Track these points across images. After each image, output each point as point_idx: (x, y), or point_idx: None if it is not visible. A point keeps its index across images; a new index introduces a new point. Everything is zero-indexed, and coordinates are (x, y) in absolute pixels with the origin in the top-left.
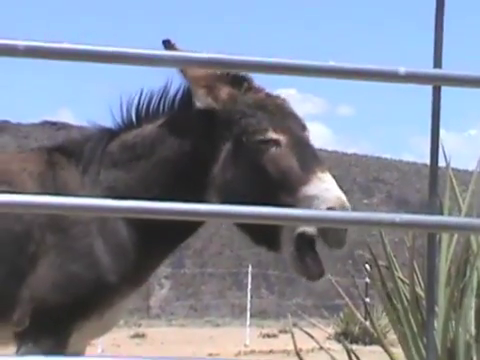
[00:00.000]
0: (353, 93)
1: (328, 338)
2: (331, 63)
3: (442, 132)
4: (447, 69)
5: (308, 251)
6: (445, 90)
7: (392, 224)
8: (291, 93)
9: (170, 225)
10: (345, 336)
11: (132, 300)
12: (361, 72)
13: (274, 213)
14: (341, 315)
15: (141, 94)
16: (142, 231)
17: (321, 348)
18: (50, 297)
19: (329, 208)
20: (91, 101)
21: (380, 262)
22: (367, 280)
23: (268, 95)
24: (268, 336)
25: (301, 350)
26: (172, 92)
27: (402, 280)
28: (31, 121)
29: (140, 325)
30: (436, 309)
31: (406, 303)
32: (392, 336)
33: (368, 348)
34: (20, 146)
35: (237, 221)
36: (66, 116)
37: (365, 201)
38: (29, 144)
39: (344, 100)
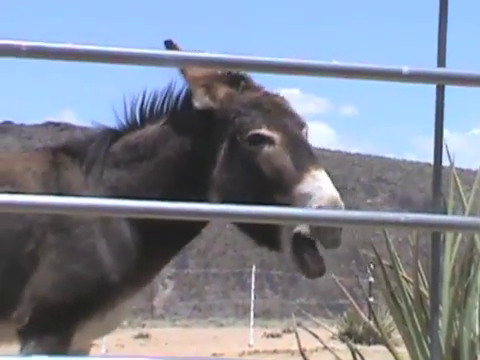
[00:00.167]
0: (356, 93)
1: (332, 338)
2: (334, 62)
3: (445, 132)
4: (451, 68)
5: (307, 249)
6: (448, 89)
7: (397, 223)
8: (294, 93)
9: (173, 226)
10: (349, 336)
11: (135, 301)
12: (365, 71)
13: (276, 213)
14: (345, 315)
15: (145, 94)
16: (145, 232)
17: (325, 348)
18: (51, 296)
19: (320, 206)
20: (94, 102)
21: (384, 261)
22: (371, 280)
23: (265, 94)
24: (272, 336)
25: (305, 350)
26: (176, 93)
27: (406, 279)
28: (34, 122)
29: (144, 325)
30: (440, 308)
31: (410, 302)
32: (396, 336)
33: (372, 348)
34: (23, 147)
35: (239, 221)
36: (69, 117)
37: (368, 201)
38: (32, 145)
39: (347, 100)
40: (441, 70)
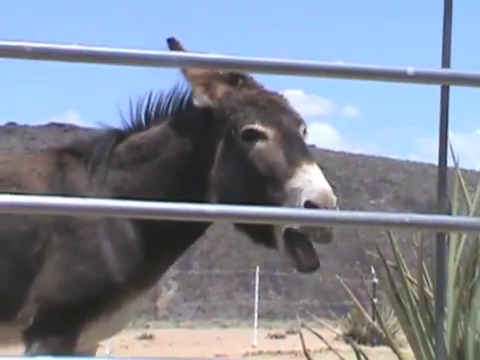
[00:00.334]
0: (359, 94)
1: (336, 339)
2: (339, 63)
3: (449, 132)
4: (455, 69)
5: (299, 244)
6: (451, 90)
7: (402, 224)
8: (297, 94)
9: (177, 227)
10: (353, 337)
11: (141, 302)
12: (370, 72)
13: (279, 214)
14: (349, 316)
15: (150, 95)
16: (149, 233)
17: (329, 349)
18: (57, 297)
19: (310, 200)
20: (98, 103)
21: (389, 262)
22: (375, 280)
23: (262, 91)
24: (276, 337)
25: (309, 351)
26: (181, 94)
27: (411, 280)
28: (38, 123)
29: (148, 326)
30: (445, 309)
31: (415, 303)
32: (400, 337)
33: (376, 349)
34: (27, 148)
35: (239, 222)
36: (73, 118)
37: (372, 202)
38: (36, 146)
39: (350, 101)
40: (446, 71)
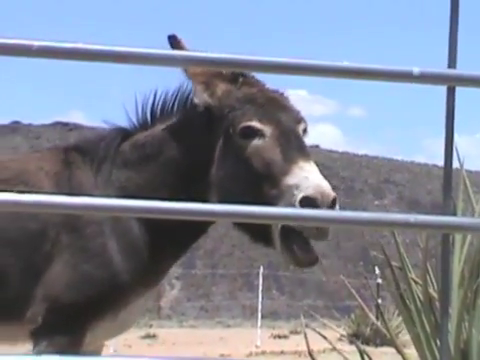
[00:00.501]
0: (364, 94)
1: (339, 339)
2: (345, 63)
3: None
4: (461, 70)
5: (295, 240)
6: (456, 92)
7: (407, 225)
8: (301, 94)
9: (181, 225)
10: (356, 337)
11: (147, 301)
12: (376, 72)
13: (283, 213)
14: (352, 316)
15: (156, 94)
16: (154, 231)
17: (333, 349)
18: (64, 296)
19: (306, 196)
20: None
21: (393, 263)
22: (379, 281)
23: (262, 89)
24: (279, 337)
25: (312, 351)
26: (186, 92)
27: (415, 281)
28: (42, 122)
29: (151, 326)
30: (449, 310)
31: (419, 304)
32: (403, 337)
33: (379, 349)
34: (32, 147)
35: (242, 221)
36: (77, 117)
37: (376, 202)
38: (41, 144)
39: (355, 101)
40: (452, 71)
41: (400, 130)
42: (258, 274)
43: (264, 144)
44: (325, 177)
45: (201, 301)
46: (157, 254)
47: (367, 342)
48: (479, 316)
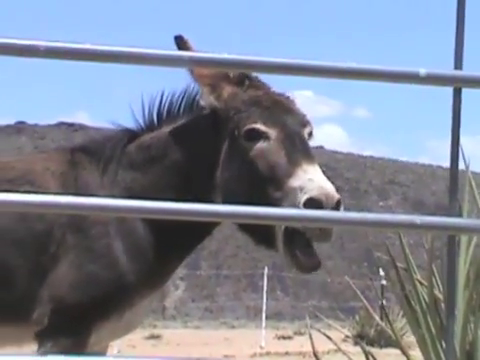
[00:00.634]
0: (369, 95)
1: (343, 340)
2: (352, 64)
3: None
4: (468, 71)
5: (298, 244)
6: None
7: (412, 226)
8: (307, 95)
9: (186, 226)
10: (361, 338)
11: (152, 302)
12: (382, 73)
13: (289, 215)
14: (357, 317)
15: (162, 95)
16: (159, 232)
17: (338, 350)
18: (69, 297)
19: (310, 198)
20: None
21: (398, 264)
22: (383, 282)
23: (268, 92)
24: (283, 338)
25: (317, 352)
26: (193, 94)
27: (420, 282)
28: (47, 122)
29: (155, 326)
30: (455, 312)
31: (425, 306)
32: (408, 339)
33: (383, 351)
34: (37, 147)
35: (248, 222)
36: (82, 118)
37: (381, 203)
38: (46, 145)
39: (360, 102)
40: (458, 72)
41: (405, 131)
42: (262, 275)
43: (269, 147)
44: (329, 178)
45: (205, 302)
46: (162, 255)
47: (371, 343)
48: None
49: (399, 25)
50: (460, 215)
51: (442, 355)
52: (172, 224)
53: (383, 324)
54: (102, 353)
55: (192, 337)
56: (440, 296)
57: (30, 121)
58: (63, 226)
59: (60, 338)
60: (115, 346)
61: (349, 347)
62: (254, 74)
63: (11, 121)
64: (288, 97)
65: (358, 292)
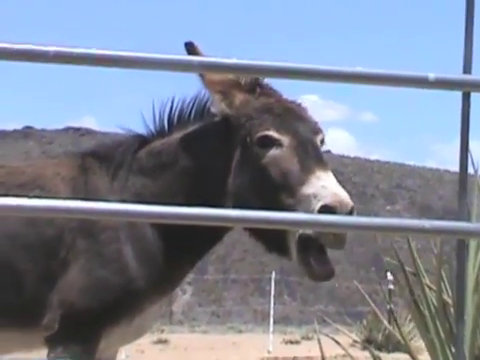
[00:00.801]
0: (376, 100)
1: (351, 345)
2: (360, 69)
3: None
4: (477, 75)
5: (312, 251)
6: (458, 96)
7: (422, 230)
8: (313, 99)
9: (196, 232)
10: (368, 343)
11: (162, 307)
12: (391, 78)
13: (298, 219)
14: (364, 322)
15: (173, 101)
16: (169, 238)
17: (347, 355)
18: (78, 302)
19: (324, 205)
20: (114, 107)
21: (407, 269)
22: (391, 287)
23: (280, 100)
24: (291, 342)
25: (325, 357)
26: (204, 100)
27: (429, 287)
28: (55, 127)
29: (163, 331)
30: (464, 317)
31: (433, 310)
32: (415, 344)
33: (391, 355)
34: (44, 152)
35: (258, 226)
36: (89, 122)
37: (388, 207)
38: (53, 150)
39: (367, 107)
40: (467, 77)
41: (411, 135)
42: (270, 279)
43: (281, 154)
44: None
45: (213, 306)
46: (172, 261)
47: (379, 348)
48: None
49: (408, 29)
50: (469, 219)
51: (451, 359)
52: (182, 229)
53: (391, 328)
54: (111, 358)
55: (199, 342)
56: (449, 301)
57: (37, 126)
58: (73, 231)
59: (70, 343)
60: (123, 351)
61: (357, 352)
62: (265, 80)
63: (19, 126)
64: (300, 104)
65: (366, 296)
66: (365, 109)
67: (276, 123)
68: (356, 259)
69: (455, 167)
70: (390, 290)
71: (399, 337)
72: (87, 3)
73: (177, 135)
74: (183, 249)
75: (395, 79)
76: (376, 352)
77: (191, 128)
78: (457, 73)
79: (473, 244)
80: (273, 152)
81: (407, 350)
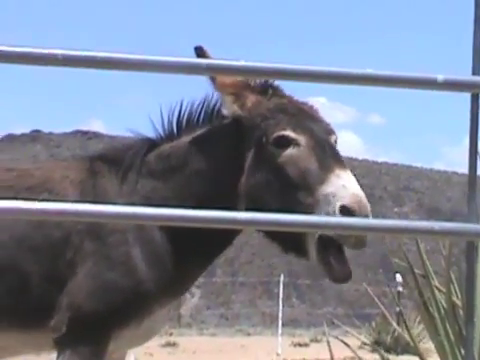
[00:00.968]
0: (384, 102)
1: (360, 347)
2: (369, 70)
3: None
4: None
5: (332, 253)
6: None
7: (431, 232)
8: (321, 101)
9: (206, 235)
10: (377, 345)
11: (171, 310)
12: (400, 80)
13: (304, 221)
14: (373, 324)
15: (181, 105)
16: (178, 241)
17: (356, 357)
18: (86, 305)
19: (344, 205)
20: (121, 111)
21: (416, 270)
22: (399, 289)
23: (292, 101)
24: (300, 345)
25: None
26: (212, 103)
27: (438, 289)
28: (63, 130)
29: (171, 334)
30: (474, 319)
31: (443, 312)
32: (424, 346)
33: (400, 358)
34: (52, 155)
35: (268, 229)
36: (97, 126)
37: (396, 210)
38: (61, 153)
39: (375, 109)
40: (476, 78)
41: (419, 137)
42: (278, 282)
43: (299, 153)
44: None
45: (221, 309)
46: (181, 263)
47: (388, 350)
48: None
49: (416, 30)
50: (478, 221)
51: None
52: (191, 232)
53: (400, 330)
54: None
55: (208, 345)
56: (458, 302)
57: (45, 129)
58: (81, 233)
59: (79, 346)
60: (132, 354)
61: (366, 354)
62: (276, 82)
63: (26, 129)
64: (312, 106)
65: (376, 299)
66: (373, 111)
67: (292, 123)
68: (364, 261)
69: (463, 169)
70: (399, 292)
71: (408, 339)
72: (95, 6)
73: (186, 138)
74: (192, 252)
75: (404, 81)
76: (385, 354)
77: (200, 131)
78: (466, 75)
79: None
80: (290, 151)
81: (416, 352)
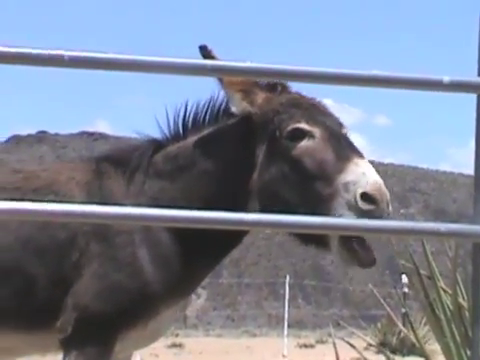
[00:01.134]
0: (390, 103)
1: (365, 348)
2: (375, 72)
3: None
4: None
5: (354, 239)
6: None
7: (437, 233)
8: (327, 103)
9: (213, 236)
10: (383, 346)
11: (177, 311)
12: (406, 81)
13: (318, 222)
14: (379, 325)
15: (187, 105)
16: (185, 242)
17: (362, 358)
18: (93, 306)
19: (365, 192)
20: (128, 112)
21: (422, 272)
22: (405, 290)
23: (301, 95)
24: (305, 346)
25: None
26: (218, 103)
27: (444, 290)
28: (69, 131)
29: (177, 335)
30: None
31: (449, 313)
32: (430, 347)
33: (406, 359)
34: (58, 156)
35: (278, 231)
36: (103, 127)
37: (402, 211)
38: (67, 154)
39: (381, 110)
40: None
41: (425, 138)
42: (284, 283)
43: (314, 145)
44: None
45: (227, 310)
46: (188, 264)
47: (393, 351)
48: None
49: (422, 32)
50: None
51: None
52: (198, 233)
53: (406, 331)
54: None
55: (214, 346)
56: (464, 304)
57: (51, 130)
58: (87, 234)
59: (85, 347)
60: (138, 355)
61: (372, 355)
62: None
63: (32, 130)
64: (320, 101)
65: (381, 300)
66: (379, 112)
67: (305, 116)
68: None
69: (469, 170)
70: (405, 293)
71: (414, 340)
72: (99, 7)
73: (193, 138)
74: (199, 253)
75: (410, 82)
76: (391, 356)
77: (207, 131)
78: (472, 76)
79: None
80: (305, 143)
81: (422, 353)
